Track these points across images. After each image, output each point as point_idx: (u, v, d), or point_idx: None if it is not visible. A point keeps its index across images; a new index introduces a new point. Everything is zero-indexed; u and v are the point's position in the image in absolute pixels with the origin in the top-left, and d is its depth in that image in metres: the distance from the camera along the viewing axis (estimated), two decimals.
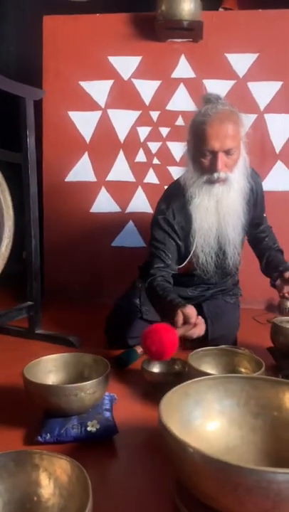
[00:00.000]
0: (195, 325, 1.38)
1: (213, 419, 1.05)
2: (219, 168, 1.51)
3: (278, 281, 1.68)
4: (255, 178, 1.78)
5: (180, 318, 1.37)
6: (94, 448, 1.12)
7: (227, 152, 1.51)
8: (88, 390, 1.14)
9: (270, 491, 0.71)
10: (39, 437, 1.11)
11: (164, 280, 1.62)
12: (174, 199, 1.68)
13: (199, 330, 1.40)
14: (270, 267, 1.77)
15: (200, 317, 1.42)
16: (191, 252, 1.67)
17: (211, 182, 1.55)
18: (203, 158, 1.53)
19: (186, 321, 1.38)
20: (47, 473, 0.85)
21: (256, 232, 1.88)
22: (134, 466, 1.06)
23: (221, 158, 1.50)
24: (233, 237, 1.65)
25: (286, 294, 1.64)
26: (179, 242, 1.68)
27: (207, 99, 1.57)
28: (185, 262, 1.71)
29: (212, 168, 1.52)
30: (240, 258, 1.85)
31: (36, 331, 1.91)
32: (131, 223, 2.55)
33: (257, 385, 1.08)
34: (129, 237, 2.54)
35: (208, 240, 1.63)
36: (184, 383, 1.05)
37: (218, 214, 1.60)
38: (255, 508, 0.73)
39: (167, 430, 0.84)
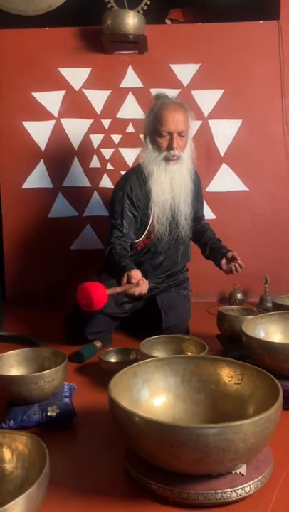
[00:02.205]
0: (138, 285, 1.63)
1: (160, 396, 1.18)
2: (175, 146, 1.83)
3: (223, 261, 1.95)
4: (197, 175, 2.09)
5: (124, 279, 1.66)
6: (55, 430, 1.23)
7: (180, 134, 1.84)
8: (47, 378, 1.25)
9: (199, 444, 0.85)
10: (3, 424, 1.21)
11: (122, 249, 1.84)
12: (131, 177, 1.94)
13: (140, 289, 1.65)
14: (213, 252, 2.04)
15: (144, 279, 1.66)
16: (149, 223, 1.91)
17: (168, 159, 1.86)
18: (160, 138, 1.85)
19: (128, 280, 1.63)
20: (10, 449, 0.95)
21: (198, 227, 2.15)
22: (91, 442, 1.18)
23: (176, 138, 1.83)
24: (184, 210, 1.94)
25: (233, 268, 1.92)
26: (136, 214, 1.91)
27: (158, 96, 1.94)
28: (144, 235, 1.94)
29: (169, 146, 1.84)
30: (190, 251, 2.15)
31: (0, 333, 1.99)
32: (88, 226, 2.66)
33: (198, 363, 1.22)
34: (88, 240, 2.65)
35: (163, 211, 1.91)
36: (133, 365, 1.18)
37: (172, 189, 1.90)
38: (188, 460, 0.87)
39: (115, 403, 0.96)
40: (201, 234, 2.15)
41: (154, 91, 2.54)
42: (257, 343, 1.41)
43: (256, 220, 2.62)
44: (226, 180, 2.59)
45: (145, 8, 2.46)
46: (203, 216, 2.22)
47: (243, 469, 0.93)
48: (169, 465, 0.91)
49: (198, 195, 2.10)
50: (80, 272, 2.54)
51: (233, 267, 1.91)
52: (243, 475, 0.92)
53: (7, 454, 0.95)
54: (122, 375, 1.12)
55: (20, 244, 2.69)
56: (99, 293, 1.55)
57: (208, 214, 2.56)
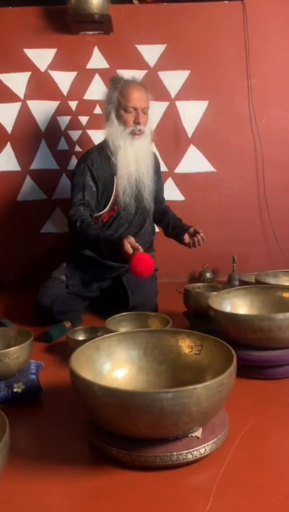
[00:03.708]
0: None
1: (123, 369, 1.21)
2: (141, 121, 1.96)
3: (186, 236, 2.05)
4: (155, 156, 2.20)
5: (128, 247, 1.68)
6: (22, 406, 1.25)
7: (143, 110, 1.97)
8: (12, 355, 1.27)
9: (154, 408, 0.88)
10: None
11: (89, 221, 1.90)
12: (92, 152, 2.04)
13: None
14: (175, 229, 2.13)
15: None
16: (112, 195, 2.00)
17: (134, 134, 1.97)
18: (127, 113, 1.95)
19: (135, 248, 1.69)
20: None
21: (160, 208, 2.25)
22: (56, 416, 1.21)
23: (141, 114, 1.96)
24: (147, 182, 2.04)
25: (196, 240, 2.01)
26: (97, 187, 1.98)
27: (115, 78, 2.04)
28: (108, 207, 2.01)
29: (136, 121, 1.96)
30: (155, 228, 2.25)
31: None
32: (58, 209, 2.65)
33: (160, 336, 1.25)
34: (57, 223, 2.65)
35: (129, 183, 1.99)
36: (96, 339, 1.20)
37: (137, 162, 2.00)
38: (145, 424, 0.90)
39: (75, 374, 0.99)
40: (163, 215, 2.24)
41: (120, 72, 2.53)
42: (222, 316, 1.45)
43: (224, 201, 2.66)
44: (193, 162, 2.62)
45: None
46: (164, 199, 2.32)
47: (198, 432, 0.97)
48: (127, 430, 0.94)
49: (158, 174, 2.19)
50: (51, 255, 2.55)
51: (196, 239, 2.00)
52: (198, 438, 0.97)
53: None
54: (85, 349, 1.14)
55: None
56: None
57: (177, 195, 2.60)
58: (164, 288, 2.22)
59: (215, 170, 2.64)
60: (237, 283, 2.43)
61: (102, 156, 2.01)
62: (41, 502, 0.88)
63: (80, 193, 1.95)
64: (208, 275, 2.57)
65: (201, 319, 1.76)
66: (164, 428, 0.91)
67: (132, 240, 1.71)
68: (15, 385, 1.26)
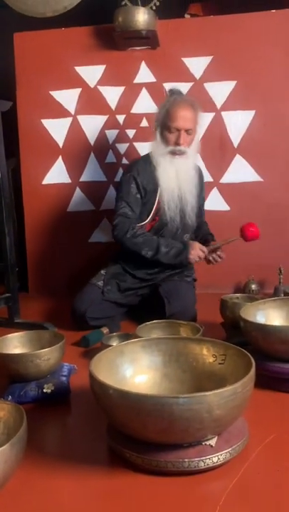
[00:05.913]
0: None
1: (146, 375, 1.22)
2: (181, 142, 1.97)
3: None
4: (200, 171, 2.22)
5: (198, 250, 1.98)
6: (51, 406, 1.30)
7: (187, 131, 1.98)
8: (43, 356, 1.32)
9: (164, 413, 0.89)
10: (2, 399, 1.29)
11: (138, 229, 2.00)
12: (138, 163, 2.10)
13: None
14: (204, 243, 2.14)
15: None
16: (154, 206, 2.04)
17: (174, 153, 2.00)
18: (169, 133, 1.98)
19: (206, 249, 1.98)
20: None
21: (198, 222, 2.24)
22: (82, 417, 1.25)
23: (183, 135, 1.97)
24: (190, 200, 2.07)
25: (211, 258, 2.08)
26: (141, 196, 2.03)
27: (172, 91, 2.10)
28: (150, 217, 2.05)
29: (176, 142, 1.98)
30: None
31: (15, 320, 2.09)
32: (105, 220, 2.73)
33: (185, 344, 1.25)
34: (104, 233, 2.73)
35: (172, 198, 2.03)
36: (120, 343, 1.23)
37: (178, 180, 2.03)
38: (155, 428, 0.91)
39: (92, 376, 1.02)
40: (199, 228, 2.26)
41: (167, 85, 2.58)
42: (251, 326, 1.43)
43: (271, 211, 2.60)
44: (239, 171, 2.59)
45: (157, 3, 2.50)
46: (204, 213, 2.33)
47: (212, 441, 0.96)
48: (139, 434, 0.95)
49: (202, 185, 2.21)
50: (97, 264, 2.62)
51: (211, 258, 2.04)
52: (212, 446, 0.96)
53: None
54: (108, 353, 1.17)
55: (41, 237, 2.80)
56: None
57: (222, 205, 2.58)
58: (208, 298, 2.20)
59: (262, 180, 2.59)
60: (283, 295, 2.36)
61: (147, 167, 2.04)
62: (52, 497, 0.91)
63: (124, 202, 2.00)
64: (253, 287, 2.51)
65: (237, 330, 1.72)
66: (175, 434, 0.92)
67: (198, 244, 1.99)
68: (45, 386, 1.32)
